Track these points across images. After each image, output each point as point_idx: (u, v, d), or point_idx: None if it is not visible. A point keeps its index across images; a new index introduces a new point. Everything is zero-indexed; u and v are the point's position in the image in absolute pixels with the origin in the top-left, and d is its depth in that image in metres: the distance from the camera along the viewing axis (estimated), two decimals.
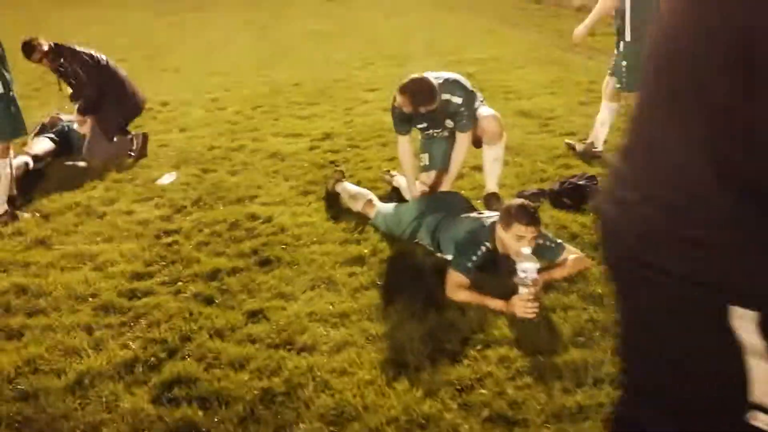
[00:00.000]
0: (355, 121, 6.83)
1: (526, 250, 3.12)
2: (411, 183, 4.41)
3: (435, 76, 4.15)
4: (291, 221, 4.38)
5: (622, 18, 4.91)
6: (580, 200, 4.41)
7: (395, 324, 3.14)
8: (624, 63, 4.96)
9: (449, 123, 4.29)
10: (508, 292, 3.22)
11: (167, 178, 5.34)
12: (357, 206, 4.42)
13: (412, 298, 3.33)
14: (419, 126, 4.38)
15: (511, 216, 3.31)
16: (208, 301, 3.47)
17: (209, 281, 3.67)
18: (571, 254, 3.54)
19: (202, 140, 6.38)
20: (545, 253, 3.47)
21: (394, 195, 4.72)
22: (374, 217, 4.24)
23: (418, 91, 4.04)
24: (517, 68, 9.12)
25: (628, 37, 4.88)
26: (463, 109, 4.19)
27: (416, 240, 3.96)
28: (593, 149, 5.31)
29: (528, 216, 3.30)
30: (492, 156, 4.40)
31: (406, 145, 4.43)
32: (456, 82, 4.20)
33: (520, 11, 15.69)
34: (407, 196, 4.55)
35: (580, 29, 5.30)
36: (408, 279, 3.57)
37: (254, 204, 4.76)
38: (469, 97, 4.21)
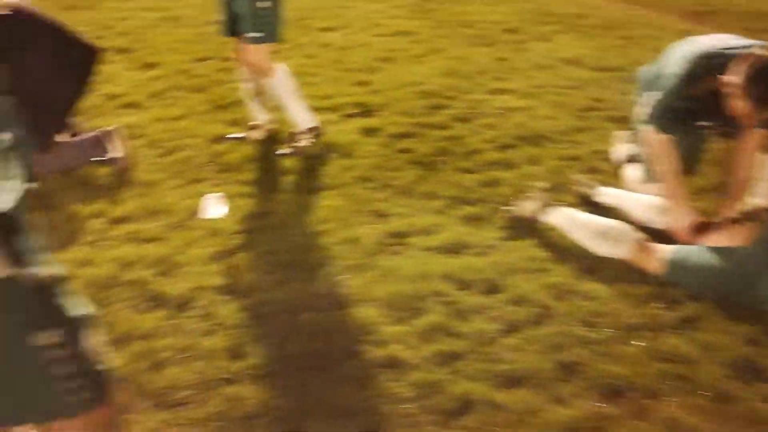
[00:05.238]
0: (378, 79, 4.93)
1: None
2: (679, 206, 2.92)
3: None
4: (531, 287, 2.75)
5: None
6: None
7: None
8: None
9: None
10: None
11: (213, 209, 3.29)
12: (612, 249, 2.88)
13: None
14: (701, 122, 2.92)
15: None
16: None
17: None
18: None
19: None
20: None
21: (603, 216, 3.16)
22: (674, 270, 2.74)
23: None
24: None
25: None
26: None
27: None
28: None
29: None
30: None
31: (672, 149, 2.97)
32: None
33: None
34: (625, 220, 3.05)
35: None
36: None
37: None
38: None
